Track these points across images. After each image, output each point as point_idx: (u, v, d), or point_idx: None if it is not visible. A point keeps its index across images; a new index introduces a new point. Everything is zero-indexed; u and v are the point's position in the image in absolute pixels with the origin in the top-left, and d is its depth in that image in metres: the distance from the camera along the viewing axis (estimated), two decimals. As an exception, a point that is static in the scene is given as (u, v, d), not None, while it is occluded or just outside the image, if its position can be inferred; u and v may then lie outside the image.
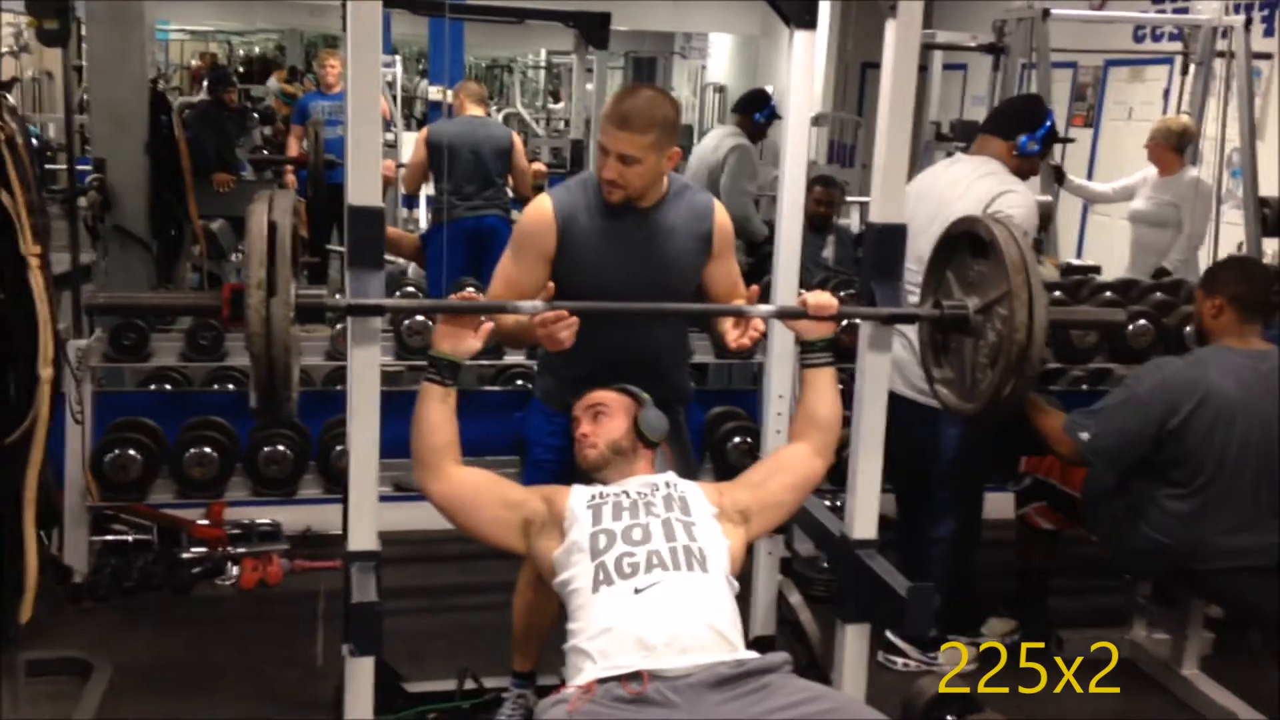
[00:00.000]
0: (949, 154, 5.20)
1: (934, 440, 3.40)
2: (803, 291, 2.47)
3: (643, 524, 2.18)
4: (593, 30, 5.32)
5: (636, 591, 2.06)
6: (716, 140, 5.57)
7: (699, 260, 2.65)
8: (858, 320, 2.48)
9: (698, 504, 2.27)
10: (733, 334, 2.47)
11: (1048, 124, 3.49)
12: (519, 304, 2.32)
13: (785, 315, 2.49)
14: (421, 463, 2.26)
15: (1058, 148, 4.96)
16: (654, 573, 2.09)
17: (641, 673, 1.95)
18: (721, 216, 2.68)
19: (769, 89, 6.31)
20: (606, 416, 2.41)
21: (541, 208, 2.57)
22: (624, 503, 2.25)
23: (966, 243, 2.35)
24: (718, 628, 2.05)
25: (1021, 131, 3.45)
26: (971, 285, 2.33)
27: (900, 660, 3.44)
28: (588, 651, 2.03)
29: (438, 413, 2.24)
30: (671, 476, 2.37)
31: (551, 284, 2.33)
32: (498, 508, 2.27)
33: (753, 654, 2.06)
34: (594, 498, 2.28)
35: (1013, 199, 3.33)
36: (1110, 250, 7.73)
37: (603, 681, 1.96)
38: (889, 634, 3.47)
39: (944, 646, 3.43)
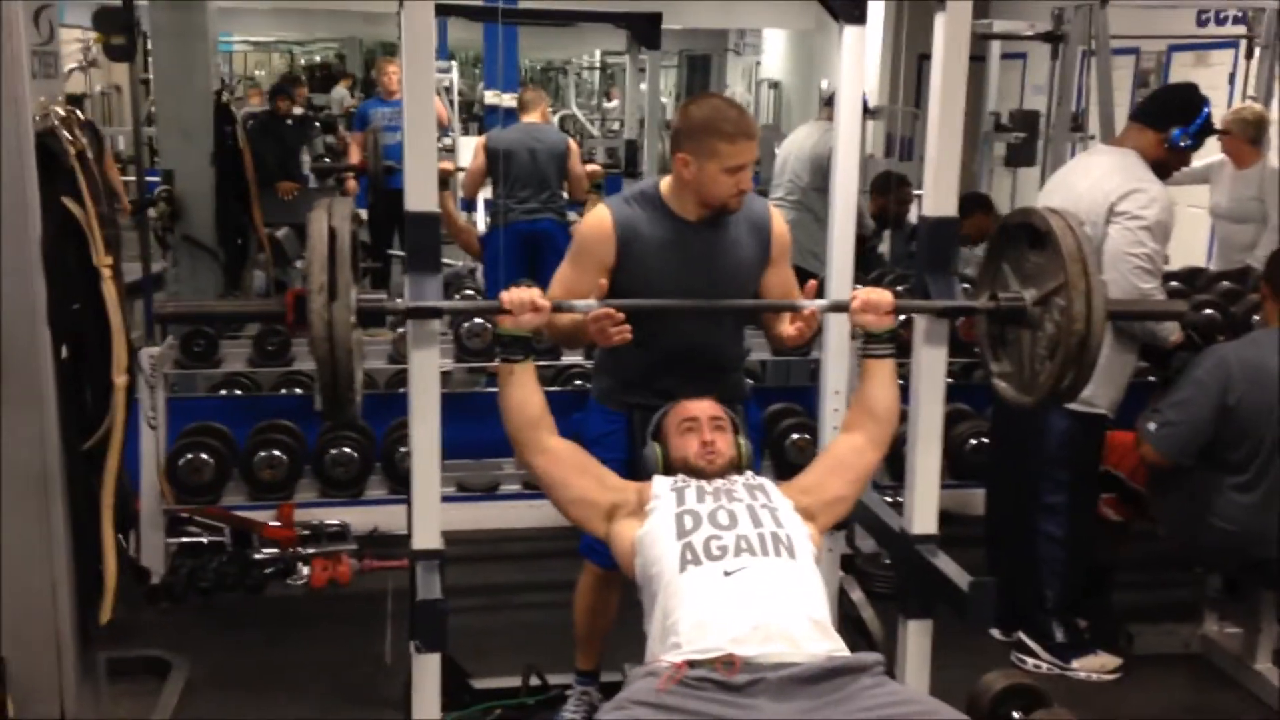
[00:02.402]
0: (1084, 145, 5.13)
1: (1040, 426, 3.29)
2: (857, 288, 2.46)
3: (728, 509, 2.19)
4: (644, 30, 5.35)
5: (726, 574, 2.05)
6: (818, 136, 5.42)
7: (757, 270, 2.65)
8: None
9: (777, 494, 2.28)
10: (787, 328, 2.47)
11: (1204, 115, 3.27)
12: (574, 303, 2.35)
13: (837, 309, 2.49)
14: (518, 442, 2.31)
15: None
16: (742, 557, 2.08)
17: (733, 657, 1.92)
18: (778, 224, 2.67)
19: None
20: (724, 432, 2.41)
21: (601, 219, 2.58)
22: (707, 488, 2.26)
23: (1023, 234, 2.33)
24: (809, 614, 2.02)
25: (1176, 123, 3.24)
26: (1029, 277, 2.31)
27: (1031, 661, 3.40)
28: (676, 632, 2.01)
29: (520, 390, 2.28)
30: (749, 473, 2.38)
31: (604, 281, 2.37)
32: (591, 487, 2.31)
33: (844, 650, 2.02)
34: (677, 481, 2.30)
35: (1141, 198, 3.15)
36: (1177, 238, 7.59)
37: (694, 664, 1.93)
38: (1023, 635, 3.44)
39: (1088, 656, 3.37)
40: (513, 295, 2.23)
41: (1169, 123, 3.26)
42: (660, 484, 2.30)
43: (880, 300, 2.35)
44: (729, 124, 2.42)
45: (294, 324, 2.06)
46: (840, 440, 2.45)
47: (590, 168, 5.72)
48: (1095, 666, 3.35)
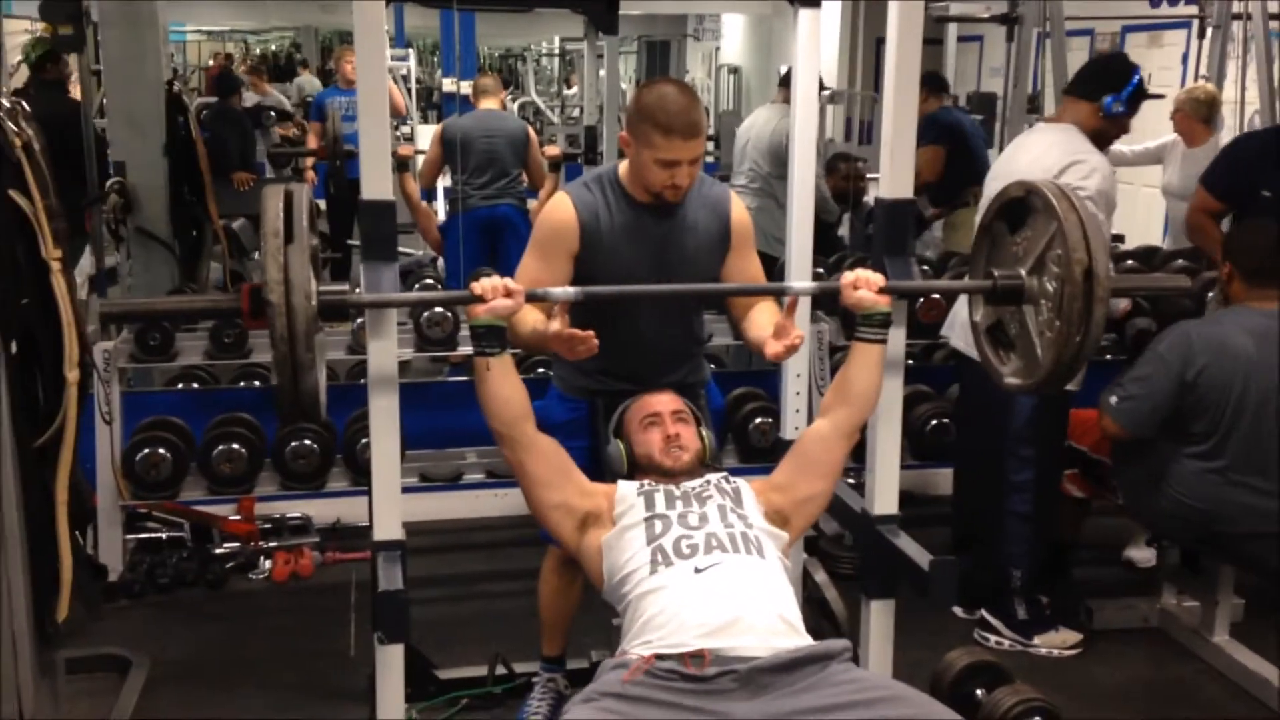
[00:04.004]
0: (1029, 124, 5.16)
1: (1006, 405, 3.30)
2: (846, 273, 2.33)
3: (698, 511, 2.18)
4: (601, 16, 5.30)
5: (697, 571, 2.05)
6: (776, 121, 5.30)
7: (718, 254, 2.62)
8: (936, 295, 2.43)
9: (749, 499, 2.26)
10: (773, 346, 2.33)
11: (1135, 81, 3.31)
12: (550, 290, 2.26)
13: (827, 292, 2.44)
14: (507, 439, 2.23)
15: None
16: (714, 554, 2.07)
17: (703, 651, 1.92)
18: (738, 210, 2.65)
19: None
20: (686, 424, 2.40)
21: (563, 207, 2.54)
22: (675, 492, 2.24)
23: (1002, 219, 2.30)
24: (778, 612, 2.02)
25: (1107, 92, 3.28)
26: (1018, 259, 2.26)
27: (994, 639, 3.43)
28: (646, 629, 2.01)
29: (503, 384, 2.19)
30: (724, 474, 2.35)
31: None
32: (572, 494, 2.26)
33: (811, 641, 2.03)
34: (644, 486, 2.27)
35: (1082, 169, 3.18)
36: (1133, 218, 7.67)
37: (662, 657, 1.94)
38: (985, 613, 3.46)
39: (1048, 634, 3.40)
40: (485, 284, 2.16)
41: (1101, 92, 3.30)
42: (626, 488, 2.28)
43: (872, 277, 2.29)
44: (664, 115, 2.36)
45: (250, 316, 1.96)
46: (808, 434, 2.40)
47: (549, 150, 5.68)
48: (1057, 643, 3.39)
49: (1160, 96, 4.77)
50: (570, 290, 2.26)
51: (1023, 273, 2.24)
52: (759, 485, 2.34)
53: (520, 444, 2.23)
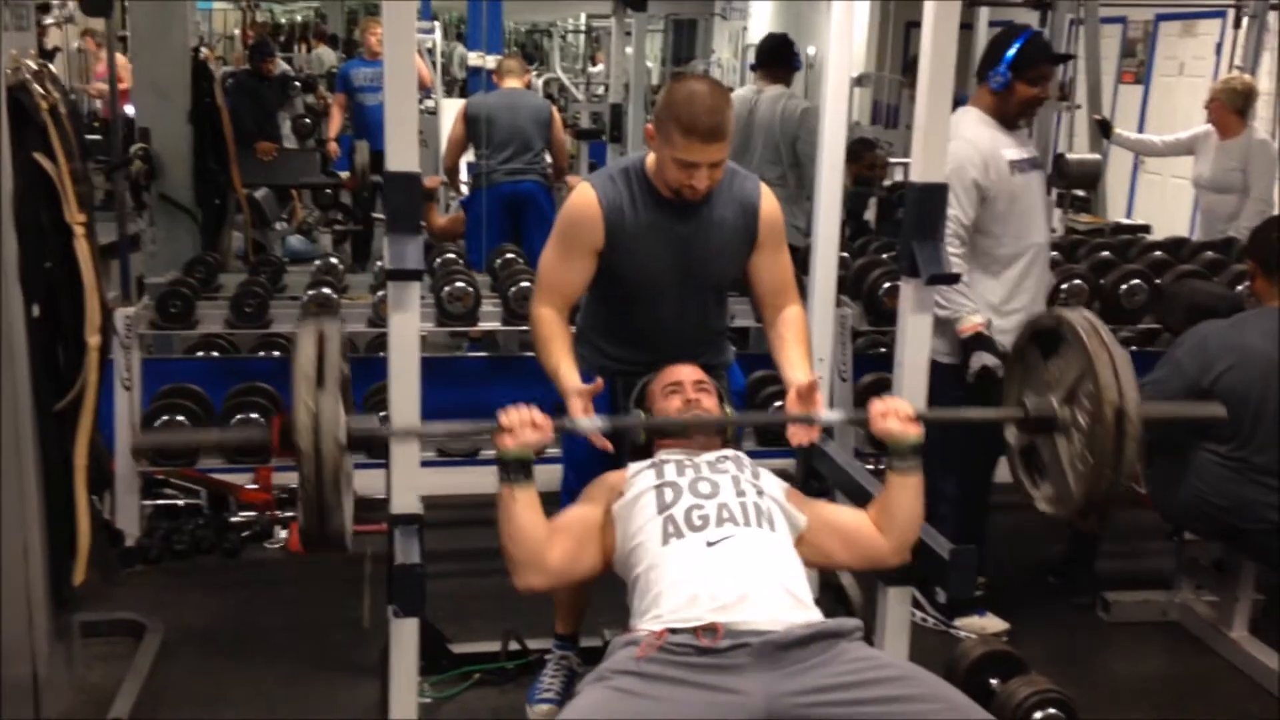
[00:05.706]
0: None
1: (939, 398, 3.28)
2: (875, 401, 2.25)
3: (710, 479, 2.16)
4: (629, -8, 5.28)
5: (709, 545, 2.04)
6: (782, 102, 4.94)
7: (744, 251, 2.57)
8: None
9: (769, 479, 2.24)
10: (794, 437, 2.31)
11: (1015, 48, 3.13)
12: (578, 422, 2.22)
13: (856, 423, 2.39)
14: (524, 565, 2.15)
15: (1107, 105, 4.82)
16: (725, 526, 2.06)
17: (715, 624, 1.92)
18: (768, 203, 2.56)
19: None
20: (709, 395, 2.39)
21: (587, 201, 2.49)
22: (687, 462, 2.22)
23: (1035, 346, 2.25)
24: (789, 588, 2.02)
25: (989, 67, 3.16)
26: (1049, 386, 2.20)
27: (919, 614, 3.36)
28: (658, 604, 2.00)
29: (524, 518, 2.12)
30: (743, 453, 2.33)
31: (600, 380, 2.28)
32: (592, 549, 2.21)
33: (821, 617, 2.02)
34: (654, 459, 2.26)
35: None
36: (1161, 209, 7.60)
37: (675, 631, 1.93)
38: (914, 591, 3.42)
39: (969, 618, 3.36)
40: (512, 416, 2.11)
41: (985, 68, 3.21)
42: (635, 466, 2.26)
43: (901, 405, 2.23)
44: (688, 115, 2.29)
45: (280, 451, 1.88)
46: (865, 523, 2.28)
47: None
48: (977, 627, 3.34)
49: (1069, 58, 4.47)
50: (597, 421, 2.22)
51: (1055, 403, 2.17)
52: (794, 492, 2.30)
53: (537, 568, 2.16)
